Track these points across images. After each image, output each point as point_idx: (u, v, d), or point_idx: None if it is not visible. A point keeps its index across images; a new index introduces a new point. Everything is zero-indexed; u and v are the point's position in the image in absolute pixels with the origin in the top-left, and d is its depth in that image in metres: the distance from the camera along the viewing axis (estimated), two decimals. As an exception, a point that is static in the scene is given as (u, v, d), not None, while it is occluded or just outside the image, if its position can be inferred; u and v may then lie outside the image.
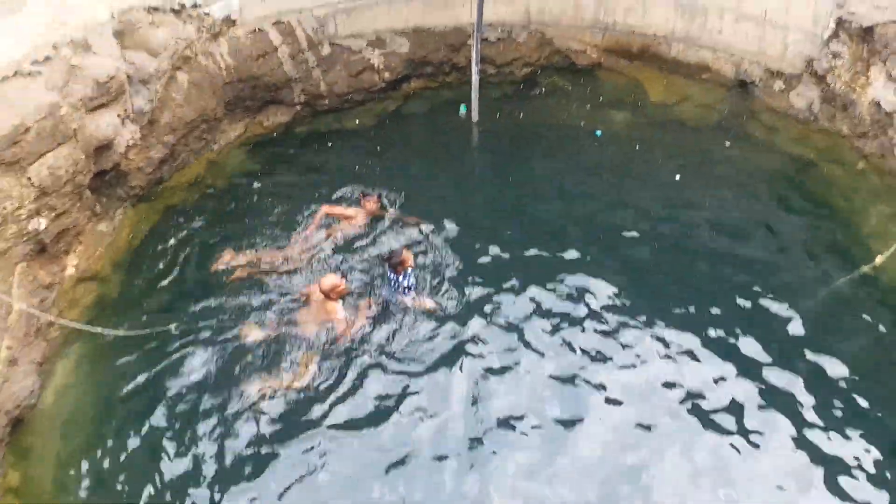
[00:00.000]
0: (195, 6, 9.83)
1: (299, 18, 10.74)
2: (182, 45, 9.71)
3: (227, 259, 8.88)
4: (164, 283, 8.73)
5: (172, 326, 8.05)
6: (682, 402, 7.21)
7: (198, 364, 7.75)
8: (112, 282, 8.66)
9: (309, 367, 7.64)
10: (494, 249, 8.93)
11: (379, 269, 8.69)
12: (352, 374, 7.61)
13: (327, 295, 8.04)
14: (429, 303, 8.28)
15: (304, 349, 7.80)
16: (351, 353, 7.81)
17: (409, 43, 11.44)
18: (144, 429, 7.21)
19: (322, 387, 7.49)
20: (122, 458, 6.98)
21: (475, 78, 10.60)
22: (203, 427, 7.20)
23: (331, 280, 8.06)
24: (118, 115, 8.79)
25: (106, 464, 6.93)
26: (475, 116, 10.97)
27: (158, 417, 7.30)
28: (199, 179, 10.12)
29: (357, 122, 11.30)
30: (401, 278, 8.27)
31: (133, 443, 7.10)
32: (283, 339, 7.91)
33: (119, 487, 6.76)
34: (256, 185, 10.13)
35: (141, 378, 7.65)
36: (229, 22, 10.23)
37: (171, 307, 8.36)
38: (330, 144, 10.86)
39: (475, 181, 9.86)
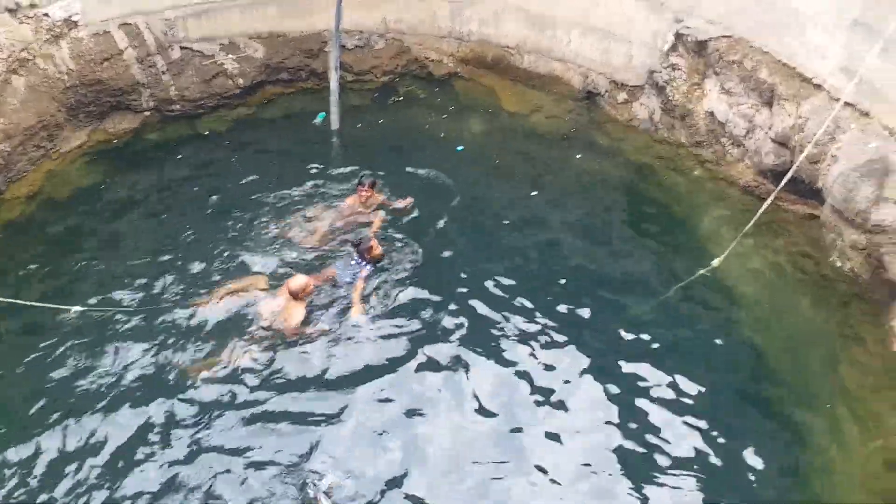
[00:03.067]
0: (32, 6, 9.31)
1: (147, 21, 10.33)
2: (18, 47, 9.17)
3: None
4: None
5: (73, 310, 7.60)
6: (531, 398, 7.47)
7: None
8: (-60, 306, 7.99)
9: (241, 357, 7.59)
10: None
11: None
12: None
13: (295, 295, 7.86)
14: (357, 308, 8.20)
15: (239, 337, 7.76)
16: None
17: (264, 48, 11.24)
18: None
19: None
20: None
21: (334, 84, 10.54)
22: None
23: (300, 281, 7.91)
24: (-56, 122, 8.17)
25: None
26: (335, 124, 10.89)
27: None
28: (38, 191, 9.54)
29: (210, 129, 10.98)
30: (364, 265, 8.40)
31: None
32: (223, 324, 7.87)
33: None
34: (101, 196, 9.68)
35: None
36: (70, 23, 9.71)
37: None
38: (180, 157, 10.48)
39: (336, 192, 9.77)
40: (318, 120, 11.21)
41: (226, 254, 8.83)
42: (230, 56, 11.05)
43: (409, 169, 10.42)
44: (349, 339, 7.94)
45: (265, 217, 9.38)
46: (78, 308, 7.53)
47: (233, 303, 8.08)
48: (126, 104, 10.53)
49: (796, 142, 8.61)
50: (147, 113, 10.76)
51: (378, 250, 8.63)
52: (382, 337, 7.99)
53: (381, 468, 6.79)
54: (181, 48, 10.71)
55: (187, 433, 6.99)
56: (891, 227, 7.35)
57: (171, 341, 7.76)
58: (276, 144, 10.83)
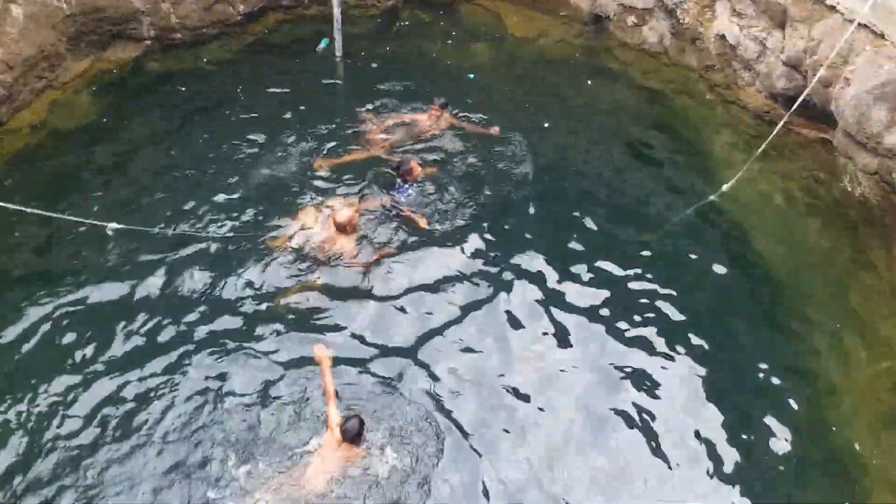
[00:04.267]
0: (26, -68, 9.01)
1: (144, -55, 10.06)
2: (15, -25, 8.92)
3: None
4: (17, 237, 8.05)
5: (109, 227, 7.44)
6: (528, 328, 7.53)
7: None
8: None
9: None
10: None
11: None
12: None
13: (342, 229, 7.86)
14: (422, 221, 8.35)
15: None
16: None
17: (266, -27, 10.98)
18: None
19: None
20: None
21: (337, 11, 10.33)
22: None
23: (346, 214, 7.88)
24: (-55, 53, 8.03)
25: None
26: (339, 51, 10.72)
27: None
28: (43, 121, 9.38)
29: (213, 57, 10.75)
30: (407, 187, 8.50)
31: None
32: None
33: None
34: (107, 126, 9.51)
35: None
36: (67, -51, 9.45)
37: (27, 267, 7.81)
38: (184, 87, 10.26)
39: (348, 121, 9.70)
40: (322, 46, 11.01)
41: (247, 181, 8.79)
42: (230, -18, 10.80)
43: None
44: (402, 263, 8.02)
45: (278, 147, 9.29)
46: (114, 225, 7.44)
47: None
48: (127, 33, 10.32)
49: (808, 65, 8.53)
50: (148, 42, 10.53)
51: (418, 171, 8.66)
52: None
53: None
54: (180, -26, 10.46)
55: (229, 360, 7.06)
56: (904, 151, 7.34)
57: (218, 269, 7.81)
58: (281, 73, 10.64)
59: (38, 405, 6.53)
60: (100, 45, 10.20)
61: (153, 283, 7.56)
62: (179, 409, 6.57)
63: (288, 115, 9.81)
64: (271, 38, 11.20)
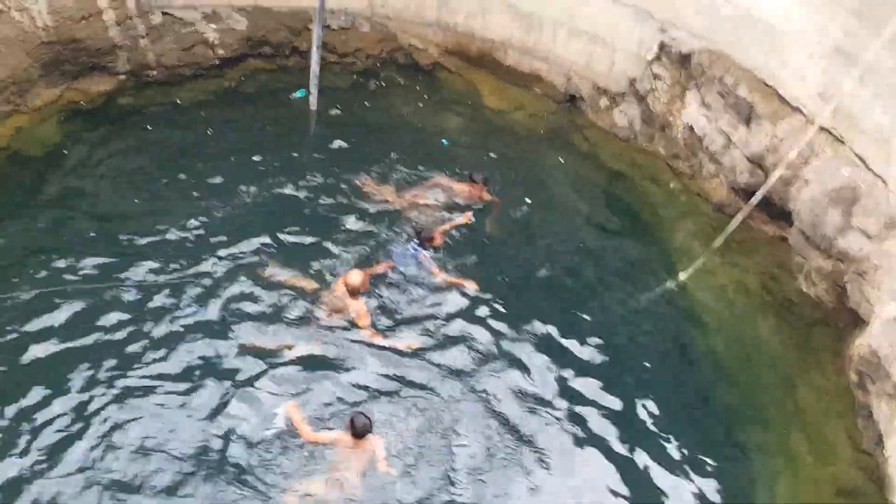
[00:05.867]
0: (8, -43, 9.00)
1: (129, -18, 10.09)
2: (-8, -2, 8.88)
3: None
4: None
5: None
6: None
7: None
8: None
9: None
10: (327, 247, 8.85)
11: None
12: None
13: (353, 292, 7.94)
14: (454, 278, 8.67)
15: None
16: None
17: (247, 21, 11.04)
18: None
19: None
20: None
21: (315, 66, 10.38)
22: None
23: (357, 276, 7.98)
24: (-88, 70, 7.91)
25: None
26: (314, 105, 10.75)
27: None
28: (6, 146, 9.27)
29: (186, 98, 10.74)
30: (422, 250, 8.73)
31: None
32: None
33: None
34: (74, 157, 9.45)
35: None
36: (49, -23, 9.44)
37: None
38: (155, 124, 10.20)
39: (314, 176, 9.71)
40: (297, 95, 11.05)
41: (207, 225, 8.80)
42: (211, 25, 10.84)
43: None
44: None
45: (240, 195, 9.28)
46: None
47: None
48: (102, 66, 10.28)
49: (770, 162, 8.71)
50: (123, 77, 10.51)
51: (439, 240, 8.85)
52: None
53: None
54: (162, 13, 10.48)
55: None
56: (855, 256, 7.49)
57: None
58: (253, 120, 10.63)
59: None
60: (73, 75, 10.15)
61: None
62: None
63: (257, 165, 9.77)
64: (247, 85, 11.22)
